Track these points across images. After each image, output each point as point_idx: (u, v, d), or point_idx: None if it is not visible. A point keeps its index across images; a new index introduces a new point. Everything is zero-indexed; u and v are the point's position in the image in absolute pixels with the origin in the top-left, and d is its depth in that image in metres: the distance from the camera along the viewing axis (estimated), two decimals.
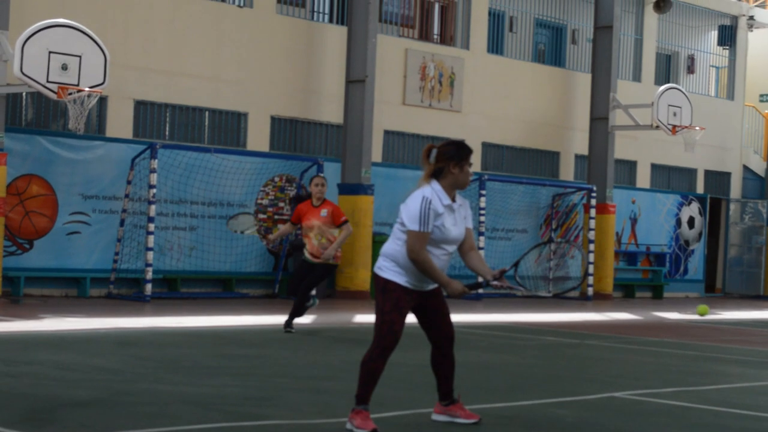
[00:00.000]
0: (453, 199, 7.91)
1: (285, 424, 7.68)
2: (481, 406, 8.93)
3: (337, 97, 23.79)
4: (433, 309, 7.95)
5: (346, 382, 10.10)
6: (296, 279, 14.83)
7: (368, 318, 17.60)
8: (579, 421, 8.46)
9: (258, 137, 23.02)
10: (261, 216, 22.43)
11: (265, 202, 22.59)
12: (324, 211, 14.54)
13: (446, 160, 7.90)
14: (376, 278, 7.87)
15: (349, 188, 22.95)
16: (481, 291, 7.75)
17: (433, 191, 7.80)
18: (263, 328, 15.84)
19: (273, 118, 23.30)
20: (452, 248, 7.90)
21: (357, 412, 7.63)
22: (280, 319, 17.26)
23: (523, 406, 9.06)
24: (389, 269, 7.77)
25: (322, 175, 14.84)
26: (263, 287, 22.62)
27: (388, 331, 7.68)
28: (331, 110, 23.97)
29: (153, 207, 20.16)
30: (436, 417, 8.19)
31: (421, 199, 7.72)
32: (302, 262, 14.85)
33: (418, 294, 7.82)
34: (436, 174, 7.89)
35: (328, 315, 18.23)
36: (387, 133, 25.04)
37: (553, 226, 27.72)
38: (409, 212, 7.72)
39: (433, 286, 7.87)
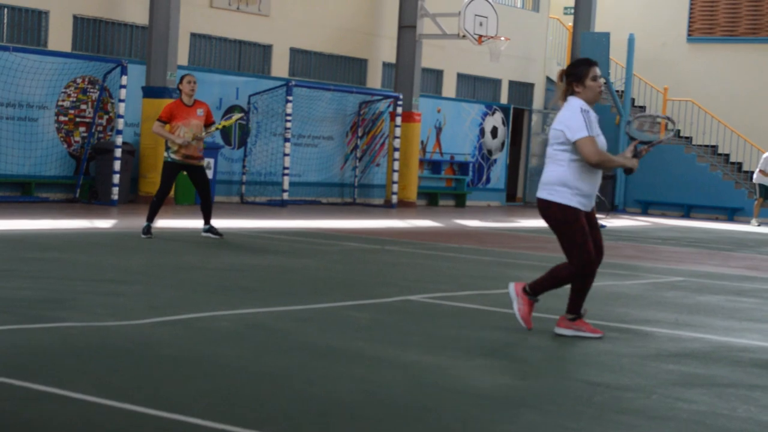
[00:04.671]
0: None
1: (78, 327, 7.60)
2: (280, 308, 9.00)
3: None
4: (593, 225, 8.30)
5: (143, 286, 10.05)
6: (167, 183, 14.69)
7: (171, 223, 17.49)
8: (373, 323, 8.61)
9: (60, 36, 22.38)
10: (62, 118, 21.93)
11: (66, 104, 22.07)
12: (200, 110, 14.72)
13: (570, 79, 8.20)
14: (548, 206, 8.15)
15: (154, 91, 22.60)
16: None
17: (583, 103, 8.12)
18: (63, 232, 15.57)
19: (75, 17, 22.67)
20: None
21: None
22: (80, 223, 17.02)
23: (321, 309, 9.16)
24: (563, 194, 8.07)
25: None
26: (64, 191, 22.17)
27: (587, 259, 8.10)
28: (136, 11, 23.45)
29: None
30: (559, 330, 8.37)
31: (579, 110, 8.04)
32: (172, 164, 14.68)
33: (585, 213, 8.19)
34: (570, 94, 8.20)
35: (129, 219, 18.03)
36: (194, 35, 24.67)
37: (359, 134, 27.88)
38: (570, 126, 8.02)
39: (592, 205, 8.24)
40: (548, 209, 8.18)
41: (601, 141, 8.17)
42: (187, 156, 14.66)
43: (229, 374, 6.38)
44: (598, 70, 8.22)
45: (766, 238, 23.64)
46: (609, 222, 24.49)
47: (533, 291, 8.33)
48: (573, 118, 8.02)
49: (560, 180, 8.07)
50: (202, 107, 14.85)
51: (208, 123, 14.82)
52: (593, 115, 8.18)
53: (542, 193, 8.21)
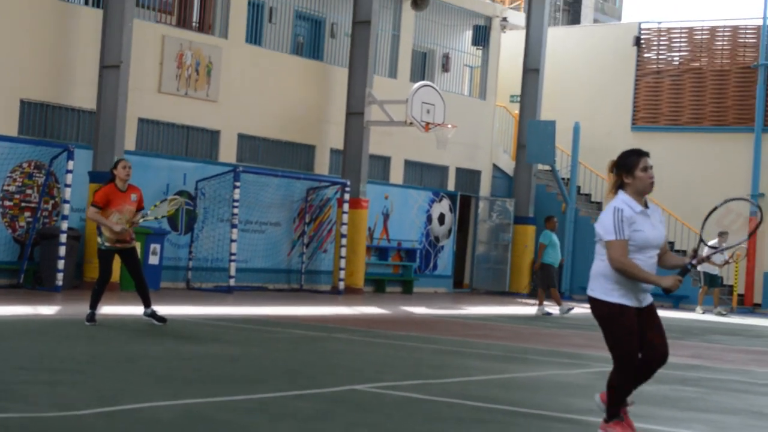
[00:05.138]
0: (644, 205, 8.03)
1: (17, 417, 7.47)
2: (223, 399, 8.91)
3: (90, 82, 23.27)
4: (650, 326, 7.99)
5: (86, 375, 9.92)
6: (106, 270, 14.67)
7: (116, 309, 17.33)
8: (319, 413, 8.54)
9: (6, 121, 22.27)
10: (7, 203, 21.77)
11: (12, 188, 21.94)
12: (134, 196, 14.80)
13: (619, 171, 8.09)
14: (590, 300, 7.98)
15: (101, 176, 22.46)
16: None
17: (622, 201, 7.96)
18: (5, 318, 15.38)
19: (22, 102, 22.60)
20: (655, 252, 8.00)
21: (616, 423, 7.95)
22: (23, 309, 16.83)
23: (265, 399, 9.08)
24: (606, 290, 7.89)
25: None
26: (7, 277, 21.93)
27: (629, 361, 7.85)
28: (83, 96, 23.42)
29: None
30: None
31: (613, 210, 7.89)
32: (107, 252, 14.67)
33: (637, 310, 7.92)
34: (620, 186, 8.07)
35: (74, 306, 17.85)
36: (141, 120, 24.65)
37: (307, 220, 27.88)
38: (603, 225, 7.90)
39: (647, 301, 7.99)
40: (591, 304, 8.04)
41: (656, 234, 7.97)
42: (118, 241, 14.62)
43: None
44: (649, 161, 8.09)
45: (710, 326, 23.78)
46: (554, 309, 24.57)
47: (609, 416, 8.03)
48: (606, 219, 7.90)
49: (604, 273, 7.91)
50: (136, 193, 14.88)
51: (139, 208, 14.85)
52: (650, 209, 8.04)
53: (588, 289, 8.11)
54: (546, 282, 24.31)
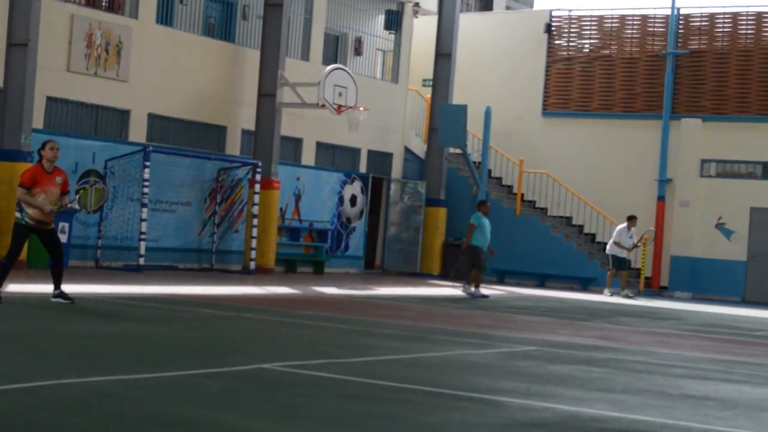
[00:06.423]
0: None
1: None
2: (130, 377, 8.87)
3: None
4: None
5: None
6: (18, 246, 14.65)
7: (22, 287, 17.12)
8: (226, 391, 8.53)
9: None
10: None
11: None
12: (59, 178, 14.81)
13: None
14: None
15: (8, 154, 22.24)
16: None
17: None
18: None
19: None
20: None
21: None
22: None
23: (172, 377, 9.05)
24: None
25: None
26: None
27: None
28: None
29: None
30: None
31: None
32: (25, 228, 14.64)
33: None
34: None
35: None
36: (50, 99, 24.34)
37: (218, 200, 27.76)
38: None
39: None
40: None
41: None
42: (40, 221, 14.56)
43: None
44: None
45: (617, 308, 24.12)
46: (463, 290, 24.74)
47: None
48: None
49: None
50: (61, 175, 14.91)
51: (64, 191, 14.83)
52: None
53: None
54: (472, 262, 24.45)
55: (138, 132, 26.15)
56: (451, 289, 26.76)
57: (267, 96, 27.98)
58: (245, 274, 26.65)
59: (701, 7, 33.90)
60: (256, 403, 8.11)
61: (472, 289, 24.37)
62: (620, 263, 29.78)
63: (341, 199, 31.59)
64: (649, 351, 14.60)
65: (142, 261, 24.42)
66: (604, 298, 28.54)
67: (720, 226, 32.61)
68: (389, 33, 34.59)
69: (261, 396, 8.46)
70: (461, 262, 24.95)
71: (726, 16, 33.54)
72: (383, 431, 7.51)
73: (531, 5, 49.21)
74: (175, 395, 8.21)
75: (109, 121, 25.71)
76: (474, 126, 33.17)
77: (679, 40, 33.88)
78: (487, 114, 33.01)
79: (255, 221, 27.27)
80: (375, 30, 34.55)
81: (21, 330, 11.95)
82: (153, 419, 7.16)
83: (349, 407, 8.27)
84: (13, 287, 16.52)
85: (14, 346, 10.57)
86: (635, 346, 15.18)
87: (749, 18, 33.30)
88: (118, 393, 8.07)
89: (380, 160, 33.73)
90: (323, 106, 27.03)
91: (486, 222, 24.53)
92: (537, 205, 34.83)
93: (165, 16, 27.38)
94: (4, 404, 7.30)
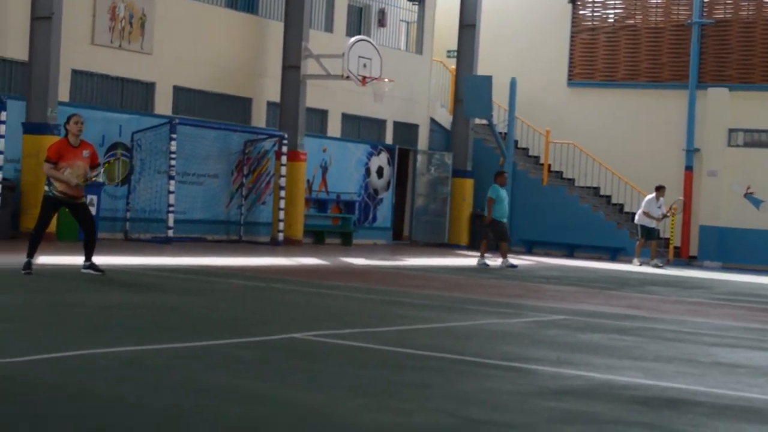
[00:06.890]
0: None
1: None
2: (161, 346, 8.87)
3: (22, 33, 22.94)
4: None
5: (20, 323, 9.84)
6: (46, 217, 14.63)
7: (52, 259, 17.17)
8: (257, 361, 8.52)
9: None
10: None
11: None
12: (86, 152, 14.69)
13: None
14: None
15: (34, 127, 22.28)
16: None
17: None
18: None
19: None
20: None
21: None
22: None
23: (203, 346, 9.04)
24: None
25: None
26: None
27: None
28: (16, 47, 23.10)
29: None
30: None
31: None
32: (53, 199, 14.59)
33: None
34: None
35: (10, 256, 17.65)
36: (75, 72, 24.36)
37: (245, 172, 27.76)
38: None
39: None
40: None
41: None
42: (69, 195, 14.55)
43: (106, 412, 6.25)
44: None
45: (646, 278, 24.03)
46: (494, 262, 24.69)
47: None
48: None
49: None
50: (88, 149, 14.80)
51: (93, 165, 14.75)
52: None
53: None
54: (498, 236, 24.41)
55: (163, 104, 26.16)
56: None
57: (291, 68, 27.93)
58: (273, 246, 26.68)
59: None
60: (288, 371, 8.10)
61: (487, 261, 24.37)
62: (649, 233, 29.64)
63: (368, 171, 31.55)
64: (679, 320, 14.53)
65: (170, 233, 24.47)
66: (633, 267, 28.43)
67: (749, 195, 32.43)
68: (413, 4, 34.46)
69: (293, 365, 8.45)
70: (486, 236, 24.84)
71: None
72: (415, 399, 7.48)
73: None
74: (207, 364, 8.20)
75: (134, 94, 25.72)
76: (499, 97, 33.03)
77: (705, 9, 33.63)
78: (513, 85, 32.85)
79: (282, 193, 27.27)
80: (398, 1, 34.40)
81: (51, 301, 11.97)
82: (184, 387, 7.15)
83: (380, 376, 8.25)
84: (43, 259, 16.57)
85: (44, 317, 10.59)
86: (665, 315, 15.11)
87: None
88: (148, 362, 8.07)
89: (406, 131, 33.65)
90: (348, 77, 26.97)
91: (503, 193, 24.45)
92: (564, 176, 34.69)
93: None
94: (33, 373, 7.31)
